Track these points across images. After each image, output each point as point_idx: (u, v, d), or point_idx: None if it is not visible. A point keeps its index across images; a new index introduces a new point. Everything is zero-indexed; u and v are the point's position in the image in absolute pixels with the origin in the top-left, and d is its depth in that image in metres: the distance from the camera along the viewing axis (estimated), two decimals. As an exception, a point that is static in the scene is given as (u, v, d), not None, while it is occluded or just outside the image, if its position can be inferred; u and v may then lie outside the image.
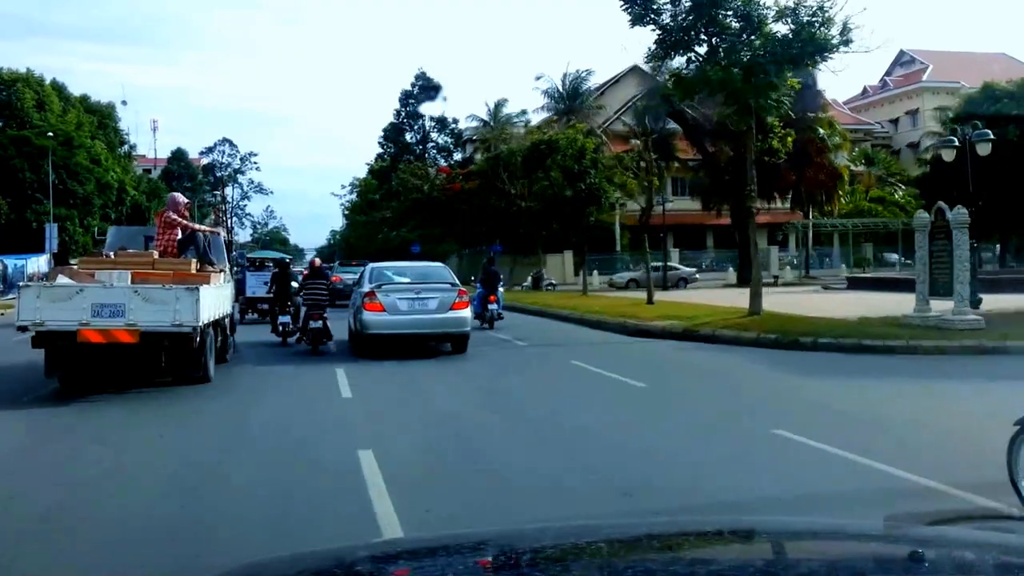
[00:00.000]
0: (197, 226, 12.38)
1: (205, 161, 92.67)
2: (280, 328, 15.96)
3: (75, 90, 53.39)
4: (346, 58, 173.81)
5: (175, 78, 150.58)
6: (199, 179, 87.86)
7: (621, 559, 1.78)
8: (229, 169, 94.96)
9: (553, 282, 39.30)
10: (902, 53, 66.03)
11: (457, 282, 14.40)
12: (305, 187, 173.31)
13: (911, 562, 1.67)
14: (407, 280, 14.29)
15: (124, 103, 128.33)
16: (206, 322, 10.21)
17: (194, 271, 11.02)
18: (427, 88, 67.02)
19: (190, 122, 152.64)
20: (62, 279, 10.39)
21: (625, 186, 34.21)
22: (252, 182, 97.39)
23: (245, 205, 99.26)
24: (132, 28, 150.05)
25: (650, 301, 22.36)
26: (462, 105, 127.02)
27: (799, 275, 43.14)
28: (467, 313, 13.86)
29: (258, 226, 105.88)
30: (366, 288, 13.76)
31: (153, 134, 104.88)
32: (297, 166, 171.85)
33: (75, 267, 11.53)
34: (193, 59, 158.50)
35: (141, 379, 10.56)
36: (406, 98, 67.03)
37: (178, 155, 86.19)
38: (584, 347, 15.35)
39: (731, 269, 42.66)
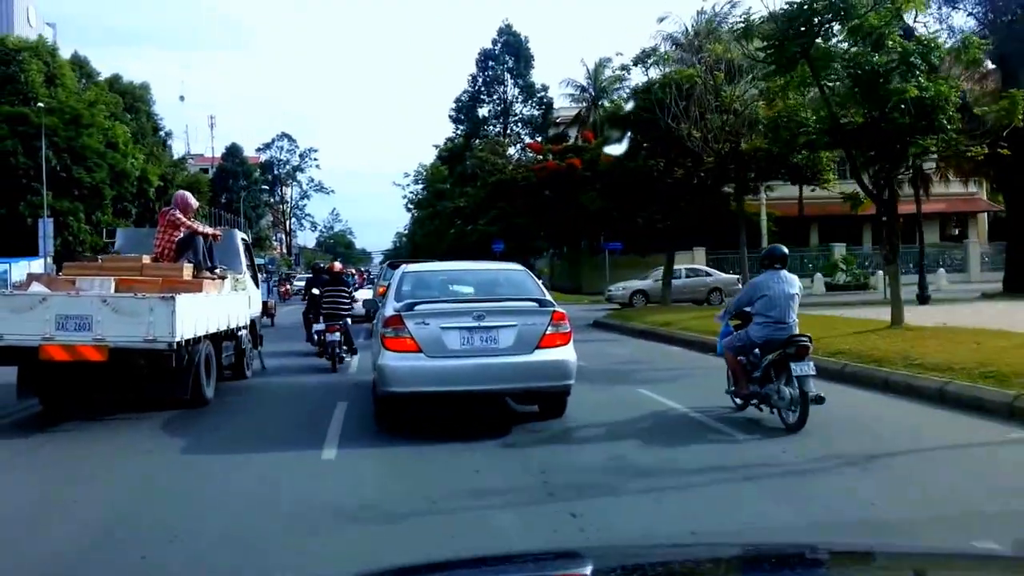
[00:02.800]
0: (200, 227, 13.08)
1: (263, 158, 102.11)
2: (315, 338, 17.49)
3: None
4: (414, 52, 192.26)
5: (232, 77, 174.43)
6: (255, 177, 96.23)
7: None
8: (288, 166, 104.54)
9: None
10: None
11: (548, 297, 10.54)
12: (371, 190, 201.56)
13: None
14: (461, 295, 10.85)
15: (182, 98, 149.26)
16: (190, 337, 10.79)
17: (187, 277, 11.70)
18: (512, 47, 67.80)
19: (247, 121, 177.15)
20: (35, 287, 11.21)
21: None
22: (312, 180, 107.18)
23: (304, 205, 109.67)
24: (188, 29, 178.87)
25: None
26: (550, 73, 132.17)
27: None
28: (567, 354, 9.92)
29: (321, 228, 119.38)
30: (389, 310, 10.00)
31: (210, 131, 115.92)
32: (361, 170, 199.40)
33: (53, 274, 12.45)
34: (250, 58, 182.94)
35: (134, 402, 11.28)
36: (485, 60, 68.04)
37: (233, 151, 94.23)
38: None
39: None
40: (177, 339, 10.17)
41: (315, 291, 18.10)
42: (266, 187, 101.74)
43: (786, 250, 10.77)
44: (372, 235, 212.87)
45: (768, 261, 10.47)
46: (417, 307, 9.77)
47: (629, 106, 34.04)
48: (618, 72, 30.24)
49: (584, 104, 60.01)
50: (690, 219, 33.15)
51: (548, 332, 9.78)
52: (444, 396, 9.93)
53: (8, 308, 10.25)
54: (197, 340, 11.28)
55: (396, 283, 11.06)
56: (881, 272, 39.19)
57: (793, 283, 10.20)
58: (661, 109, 26.27)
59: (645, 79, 31.72)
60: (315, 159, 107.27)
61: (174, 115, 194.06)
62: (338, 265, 19.09)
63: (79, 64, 54.46)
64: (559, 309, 10.10)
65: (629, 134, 32.86)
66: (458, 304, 10.15)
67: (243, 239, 16.16)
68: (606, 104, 58.47)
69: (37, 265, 34.39)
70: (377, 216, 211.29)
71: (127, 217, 47.49)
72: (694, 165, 28.54)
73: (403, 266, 12.61)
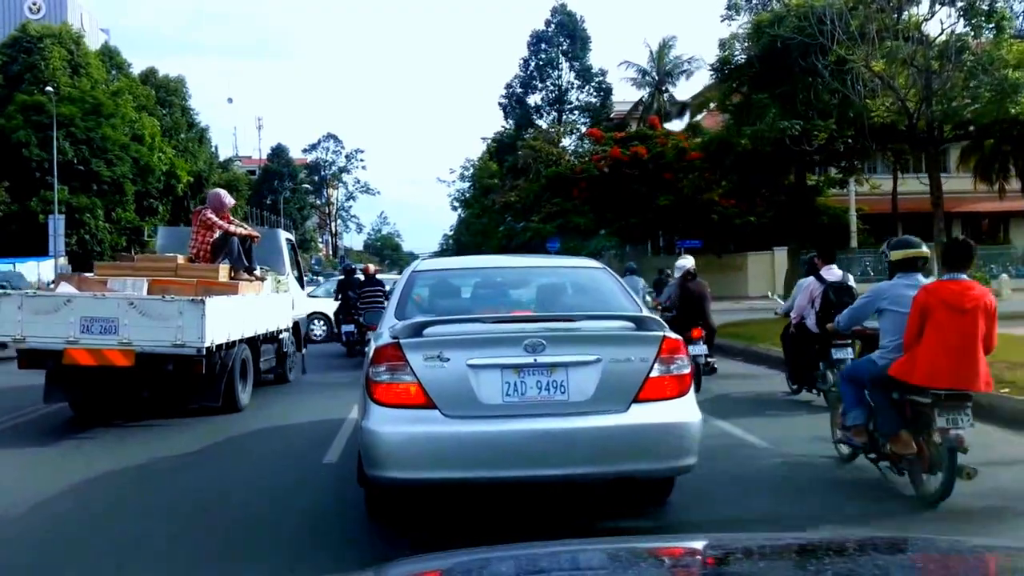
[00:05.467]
0: (235, 227, 13.42)
1: (310, 159, 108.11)
2: (345, 338, 19.85)
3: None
4: (462, 45, 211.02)
5: (280, 84, 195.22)
6: (300, 178, 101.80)
7: None
8: (334, 167, 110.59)
9: None
10: None
11: (646, 310, 7.17)
12: (420, 195, 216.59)
13: None
14: (504, 308, 7.41)
15: (230, 100, 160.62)
16: (222, 342, 11.09)
17: (223, 279, 12.03)
18: (566, 27, 67.79)
19: (295, 125, 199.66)
20: (63, 287, 11.60)
21: None
22: (358, 181, 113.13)
23: (351, 206, 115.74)
24: (237, 39, 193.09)
25: None
26: (607, 57, 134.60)
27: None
28: (686, 411, 6.30)
29: (369, 231, 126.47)
30: (386, 336, 6.35)
31: (257, 132, 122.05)
32: (410, 176, 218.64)
33: (87, 274, 12.92)
34: (296, 65, 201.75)
35: (170, 407, 11.66)
36: (537, 42, 68.05)
37: (278, 151, 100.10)
38: None
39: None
40: (207, 344, 10.45)
41: (351, 293, 19.58)
42: (311, 188, 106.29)
43: (636, 265, 21.07)
44: (421, 239, 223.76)
45: (629, 271, 19.56)
46: (429, 330, 6.17)
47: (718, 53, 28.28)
48: (725, 13, 24.85)
49: (646, 89, 59.82)
50: (790, 211, 31.04)
51: (654, 374, 6.19)
52: (476, 485, 6.51)
53: (32, 310, 10.59)
54: (231, 344, 11.62)
55: (400, 289, 7.46)
56: (1006, 276, 37.33)
57: (639, 282, 19.02)
58: (820, 32, 19.97)
59: (767, 13, 25.71)
60: (361, 160, 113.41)
61: (222, 117, 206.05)
62: (372, 267, 21.45)
63: (109, 55, 55.22)
64: (671, 334, 6.41)
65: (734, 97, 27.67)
66: (499, 325, 6.34)
67: (288, 239, 16.79)
68: (671, 89, 58.45)
69: (47, 266, 34.29)
70: (426, 221, 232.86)
71: (153, 215, 47.96)
72: (839, 126, 23.97)
73: (415, 263, 9.24)
